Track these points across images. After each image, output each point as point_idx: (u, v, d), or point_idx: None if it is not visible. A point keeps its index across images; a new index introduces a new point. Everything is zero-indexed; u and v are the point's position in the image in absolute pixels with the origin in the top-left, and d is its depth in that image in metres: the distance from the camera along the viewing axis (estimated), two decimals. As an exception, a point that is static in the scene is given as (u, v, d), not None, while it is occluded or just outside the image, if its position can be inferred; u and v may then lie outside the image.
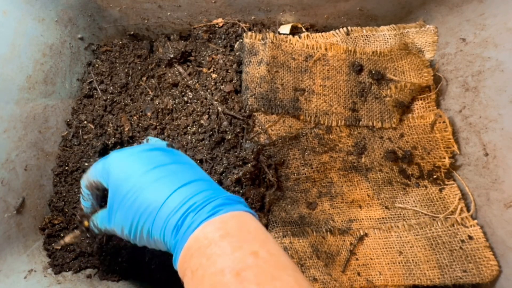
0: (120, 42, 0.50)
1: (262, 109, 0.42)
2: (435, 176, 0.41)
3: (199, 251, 0.21)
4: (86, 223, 0.30)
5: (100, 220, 0.29)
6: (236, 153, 0.41)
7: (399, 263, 0.38)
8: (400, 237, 0.39)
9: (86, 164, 0.42)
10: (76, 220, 0.32)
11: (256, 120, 0.43)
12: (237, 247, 0.21)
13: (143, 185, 0.25)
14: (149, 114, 0.44)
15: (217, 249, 0.21)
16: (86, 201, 0.31)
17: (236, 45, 0.47)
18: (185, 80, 0.46)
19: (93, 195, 0.31)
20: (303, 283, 0.20)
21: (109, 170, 0.27)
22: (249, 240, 0.22)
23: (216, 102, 0.44)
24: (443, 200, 0.40)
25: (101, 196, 0.31)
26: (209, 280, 0.20)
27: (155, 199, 0.24)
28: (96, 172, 0.29)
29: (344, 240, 0.39)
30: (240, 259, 0.20)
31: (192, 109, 0.44)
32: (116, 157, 0.28)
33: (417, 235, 0.39)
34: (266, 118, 0.43)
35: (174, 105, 0.45)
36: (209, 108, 0.44)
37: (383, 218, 0.41)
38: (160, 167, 0.27)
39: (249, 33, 0.45)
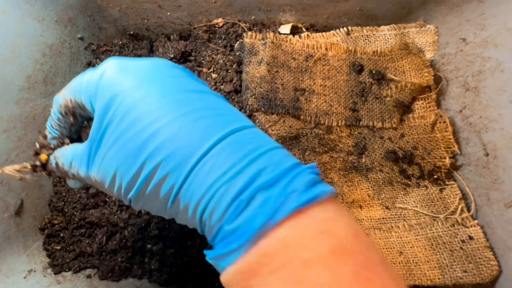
0: (120, 42, 0.50)
1: (262, 109, 0.42)
2: (435, 176, 0.41)
3: (291, 268, 0.13)
4: (43, 156, 0.21)
5: (66, 159, 0.20)
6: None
7: (399, 263, 0.38)
8: (401, 237, 0.39)
9: None
10: (33, 149, 0.22)
11: (257, 120, 0.43)
12: (364, 279, 0.13)
13: (168, 115, 0.16)
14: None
15: (331, 277, 0.12)
16: (53, 128, 0.22)
17: (236, 45, 0.47)
18: (185, 80, 0.46)
19: (66, 121, 0.21)
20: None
21: (103, 84, 0.17)
22: (375, 265, 0.14)
23: (216, 102, 0.44)
24: (444, 200, 0.40)
25: (77, 127, 0.23)
26: None
27: (191, 141, 0.15)
28: (79, 87, 0.19)
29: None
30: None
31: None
32: (117, 64, 0.18)
33: (417, 235, 0.39)
34: (266, 118, 0.43)
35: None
36: (209, 108, 0.44)
37: (383, 218, 0.41)
38: (195, 94, 0.17)
39: (249, 33, 0.45)
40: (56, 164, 0.21)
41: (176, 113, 0.16)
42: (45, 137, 0.22)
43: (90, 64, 0.49)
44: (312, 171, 0.16)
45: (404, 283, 0.15)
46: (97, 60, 0.49)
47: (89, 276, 0.37)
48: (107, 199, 0.40)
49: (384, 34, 0.45)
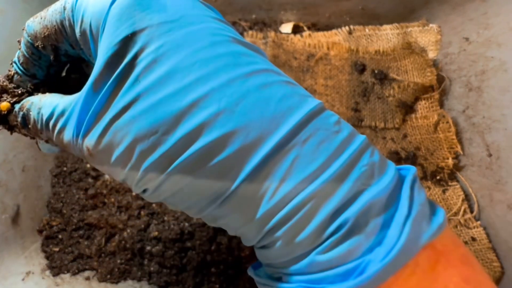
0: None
1: None
2: (438, 177, 0.41)
3: None
4: (4, 104, 0.15)
5: (42, 112, 0.15)
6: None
7: (401, 264, 0.38)
8: (403, 238, 0.39)
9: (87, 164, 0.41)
10: None
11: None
12: None
13: (226, 70, 0.13)
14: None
15: None
16: (22, 66, 0.16)
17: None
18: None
19: (44, 59, 0.16)
20: None
21: (122, 8, 0.12)
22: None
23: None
24: (446, 201, 0.40)
25: (56, 69, 0.16)
26: None
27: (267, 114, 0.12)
28: (76, 8, 0.13)
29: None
30: None
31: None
32: None
33: (420, 236, 0.39)
34: None
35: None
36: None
37: (385, 219, 0.41)
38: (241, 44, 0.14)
39: (250, 32, 0.45)
40: (24, 117, 0.15)
41: (236, 70, 0.12)
42: (8, 77, 0.16)
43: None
44: (415, 178, 0.14)
45: None
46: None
47: (87, 278, 0.37)
48: (105, 200, 0.40)
49: (386, 33, 0.45)
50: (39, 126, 0.15)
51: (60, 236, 0.39)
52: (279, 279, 0.15)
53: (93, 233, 0.39)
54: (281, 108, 0.13)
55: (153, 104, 0.12)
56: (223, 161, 0.12)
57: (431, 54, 0.44)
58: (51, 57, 0.15)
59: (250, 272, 0.17)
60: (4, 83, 0.16)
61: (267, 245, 0.14)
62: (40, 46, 0.15)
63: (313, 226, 0.12)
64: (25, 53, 0.16)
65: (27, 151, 0.39)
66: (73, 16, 0.13)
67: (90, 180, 0.41)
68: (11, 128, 0.16)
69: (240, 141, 0.12)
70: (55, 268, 0.37)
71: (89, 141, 0.13)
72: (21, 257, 0.36)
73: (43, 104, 0.15)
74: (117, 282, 0.37)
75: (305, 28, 0.48)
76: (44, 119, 0.14)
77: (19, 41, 0.16)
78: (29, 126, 0.15)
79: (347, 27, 0.45)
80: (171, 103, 0.12)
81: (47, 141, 0.16)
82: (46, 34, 0.14)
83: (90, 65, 0.17)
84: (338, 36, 0.45)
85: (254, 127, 0.12)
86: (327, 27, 0.48)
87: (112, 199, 0.39)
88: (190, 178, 0.13)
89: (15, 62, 0.16)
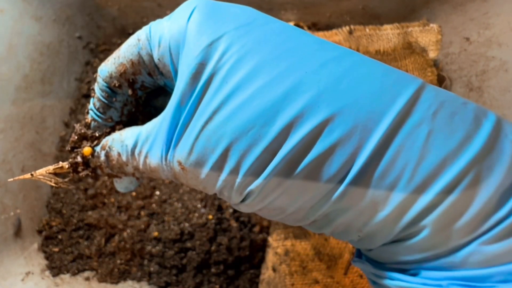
0: (119, 41, 0.49)
1: None
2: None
3: None
4: (87, 149, 0.15)
5: (124, 144, 0.15)
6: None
7: (402, 265, 0.37)
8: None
9: None
10: (68, 145, 0.17)
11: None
12: None
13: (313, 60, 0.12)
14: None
15: None
16: (99, 111, 0.16)
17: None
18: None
19: (120, 98, 0.16)
20: None
21: (196, 26, 0.13)
22: None
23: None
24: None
25: (130, 107, 0.16)
26: None
27: (373, 98, 0.11)
28: (151, 39, 0.14)
29: (347, 242, 0.39)
30: None
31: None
32: (208, 4, 0.13)
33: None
34: None
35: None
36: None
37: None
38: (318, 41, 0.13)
39: None
40: (107, 155, 0.15)
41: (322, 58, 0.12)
42: (86, 125, 0.16)
43: (88, 64, 0.48)
44: None
45: None
46: (96, 59, 0.48)
47: (87, 279, 0.37)
48: (105, 201, 0.40)
49: (387, 33, 0.44)
50: (124, 158, 0.15)
51: (59, 237, 0.39)
52: (411, 274, 0.12)
53: (93, 234, 0.39)
54: (387, 82, 0.12)
55: (246, 100, 0.11)
56: (336, 143, 0.11)
57: (432, 54, 0.44)
58: (129, 91, 0.15)
59: (357, 263, 0.14)
60: (83, 131, 0.16)
61: (403, 238, 0.12)
62: (116, 85, 0.15)
63: (476, 209, 0.11)
64: (101, 97, 0.16)
65: (26, 151, 0.38)
66: (149, 44, 0.14)
67: (90, 180, 0.41)
68: (94, 171, 0.16)
69: (351, 119, 0.11)
70: (55, 269, 0.36)
71: (181, 154, 0.13)
72: (21, 257, 0.35)
73: (125, 136, 0.15)
74: (116, 282, 0.37)
75: (305, 27, 0.47)
76: (130, 149, 0.14)
77: (92, 89, 0.16)
78: (113, 162, 0.15)
79: (347, 27, 0.45)
80: (265, 95, 0.11)
81: (132, 174, 0.15)
82: (122, 71, 0.15)
83: (160, 97, 0.18)
84: (338, 35, 0.44)
85: (365, 103, 0.11)
86: (328, 27, 0.48)
87: (112, 199, 0.39)
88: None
89: (91, 109, 0.16)
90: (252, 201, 0.13)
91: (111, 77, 0.15)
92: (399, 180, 0.11)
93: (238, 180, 0.12)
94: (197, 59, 0.12)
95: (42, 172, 0.17)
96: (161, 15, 0.47)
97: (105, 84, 0.15)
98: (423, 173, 0.11)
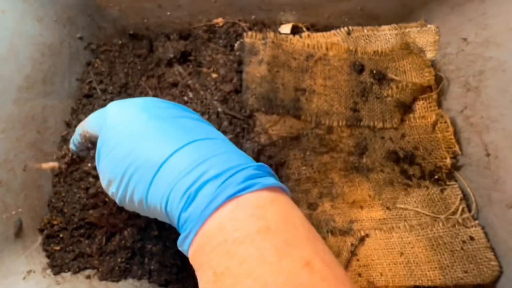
0: (120, 42, 0.49)
1: (263, 109, 0.42)
2: (436, 177, 0.41)
3: (226, 246, 0.15)
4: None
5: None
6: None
7: (400, 263, 0.38)
8: (401, 237, 0.39)
9: (89, 165, 0.41)
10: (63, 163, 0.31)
11: (257, 121, 0.43)
12: (285, 252, 0.15)
13: (142, 134, 0.20)
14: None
15: (255, 251, 0.15)
16: (76, 147, 0.29)
17: (236, 44, 0.47)
18: (185, 80, 0.46)
19: (84, 146, 0.28)
20: None
21: (105, 117, 0.23)
22: (298, 241, 0.16)
23: (216, 102, 0.43)
24: (445, 200, 0.40)
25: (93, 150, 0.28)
26: None
27: (155, 153, 0.18)
28: (92, 122, 0.25)
29: (345, 241, 0.39)
30: (291, 272, 0.14)
31: (192, 109, 0.44)
32: (115, 104, 0.23)
33: (418, 235, 0.39)
34: (266, 118, 0.43)
35: (174, 105, 0.44)
36: (209, 108, 0.43)
37: (384, 218, 0.41)
38: (169, 119, 0.21)
39: (250, 32, 0.45)
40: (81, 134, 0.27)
41: (148, 134, 0.20)
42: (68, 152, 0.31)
43: (89, 64, 0.49)
44: (256, 168, 0.19)
45: (332, 256, 0.17)
46: (97, 60, 0.49)
47: (88, 277, 0.37)
48: (106, 200, 0.40)
49: (385, 34, 0.45)
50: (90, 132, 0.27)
51: (61, 235, 0.39)
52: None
53: (94, 232, 0.40)
54: None
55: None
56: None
57: (429, 55, 0.44)
58: (89, 145, 0.29)
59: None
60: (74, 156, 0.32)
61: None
62: (82, 138, 0.28)
63: None
64: (75, 142, 0.30)
65: (27, 151, 0.39)
66: (90, 126, 0.27)
67: (91, 179, 0.41)
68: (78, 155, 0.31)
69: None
70: (56, 267, 0.37)
71: (99, 170, 0.25)
72: (22, 256, 0.36)
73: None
74: (117, 281, 0.37)
75: (304, 28, 0.48)
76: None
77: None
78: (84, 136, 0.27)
79: (346, 28, 0.45)
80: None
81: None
82: (84, 133, 0.28)
83: None
84: (337, 36, 0.45)
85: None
86: (326, 28, 0.48)
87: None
88: None
89: (72, 144, 0.31)
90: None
91: (80, 134, 0.27)
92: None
93: (110, 193, 0.23)
94: (100, 137, 0.23)
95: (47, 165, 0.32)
96: (161, 16, 0.48)
97: (77, 136, 0.28)
98: None
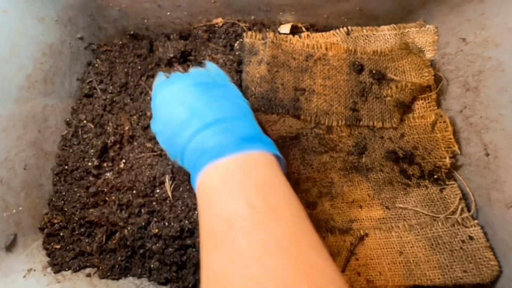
0: (120, 42, 0.50)
1: (263, 108, 0.43)
2: (435, 176, 0.41)
3: (205, 192, 0.22)
4: None
5: None
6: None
7: (399, 263, 0.38)
8: (401, 237, 0.39)
9: (89, 164, 0.41)
10: None
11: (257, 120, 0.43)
12: (234, 197, 0.20)
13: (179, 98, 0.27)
14: (148, 113, 0.44)
15: (215, 196, 0.21)
16: None
17: (236, 44, 0.47)
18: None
19: None
20: (299, 234, 0.19)
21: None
22: (248, 189, 0.21)
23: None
24: (444, 200, 0.40)
25: None
26: (205, 224, 0.21)
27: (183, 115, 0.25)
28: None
29: (344, 240, 0.39)
30: (234, 209, 0.20)
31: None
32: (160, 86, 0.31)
33: (417, 235, 0.39)
34: (266, 118, 0.43)
35: (174, 105, 0.44)
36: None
37: (383, 218, 0.41)
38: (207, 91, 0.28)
39: (249, 32, 0.45)
40: None
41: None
42: None
43: (90, 64, 0.49)
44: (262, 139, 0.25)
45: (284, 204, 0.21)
46: (97, 59, 0.49)
47: (88, 275, 0.37)
48: (106, 198, 0.40)
49: (384, 34, 0.45)
50: None
51: (61, 234, 0.40)
52: None
53: (94, 231, 0.40)
54: None
55: None
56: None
57: (429, 55, 0.44)
58: None
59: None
60: None
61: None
62: None
63: None
64: None
65: (28, 150, 0.39)
66: None
67: (91, 178, 0.41)
68: None
69: None
70: (57, 265, 0.37)
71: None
72: (23, 254, 0.36)
73: None
74: (117, 279, 0.38)
75: (303, 28, 0.48)
76: None
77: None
78: None
79: (345, 28, 0.45)
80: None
81: None
82: None
83: None
84: (336, 36, 0.45)
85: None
86: (326, 28, 0.49)
87: (113, 197, 0.40)
88: None
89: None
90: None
91: None
92: None
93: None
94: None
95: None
96: (161, 16, 0.48)
97: None
98: None
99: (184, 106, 0.26)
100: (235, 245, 0.18)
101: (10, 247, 0.34)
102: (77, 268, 0.37)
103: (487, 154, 0.37)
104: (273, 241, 0.18)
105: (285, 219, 0.20)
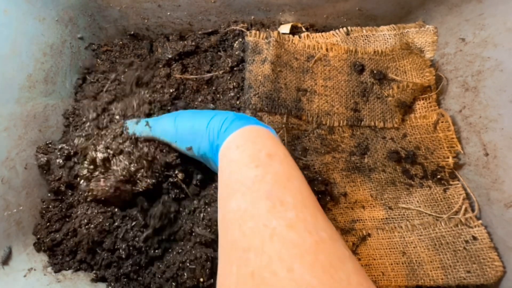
0: (121, 42, 0.53)
1: (266, 108, 0.44)
2: (439, 176, 0.44)
3: (227, 151, 0.31)
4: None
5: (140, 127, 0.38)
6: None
7: (402, 263, 0.40)
8: (404, 237, 0.41)
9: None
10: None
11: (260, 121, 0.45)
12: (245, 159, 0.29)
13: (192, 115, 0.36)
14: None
15: (235, 154, 0.30)
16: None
17: (235, 44, 0.50)
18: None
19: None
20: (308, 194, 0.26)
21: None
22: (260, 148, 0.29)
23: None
24: (447, 200, 0.43)
25: None
26: (248, 152, 0.29)
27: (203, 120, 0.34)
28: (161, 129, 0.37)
29: (347, 240, 0.42)
30: (274, 148, 0.29)
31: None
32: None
33: (420, 235, 0.41)
34: (269, 118, 0.45)
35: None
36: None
37: (386, 218, 0.43)
38: (195, 111, 0.38)
39: (253, 31, 0.47)
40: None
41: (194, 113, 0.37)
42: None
43: (90, 64, 0.52)
44: (249, 118, 0.34)
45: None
46: (98, 60, 0.52)
47: (89, 275, 0.39)
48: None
49: (383, 34, 0.48)
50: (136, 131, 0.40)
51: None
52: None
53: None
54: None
55: None
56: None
57: (428, 55, 0.47)
58: None
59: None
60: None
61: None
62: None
63: None
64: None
65: (29, 149, 0.42)
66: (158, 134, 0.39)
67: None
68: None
69: None
70: (57, 265, 0.39)
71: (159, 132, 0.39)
72: (23, 254, 0.38)
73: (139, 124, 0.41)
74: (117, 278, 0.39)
75: (303, 28, 0.51)
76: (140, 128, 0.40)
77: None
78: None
79: (344, 28, 0.48)
80: None
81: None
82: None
83: None
84: (336, 37, 0.48)
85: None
86: (325, 28, 0.52)
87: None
88: None
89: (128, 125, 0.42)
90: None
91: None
92: None
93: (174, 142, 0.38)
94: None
95: None
96: (161, 16, 0.52)
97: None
98: None
99: (200, 115, 0.35)
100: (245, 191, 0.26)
101: (6, 260, 0.36)
102: (78, 267, 0.40)
103: (487, 154, 0.40)
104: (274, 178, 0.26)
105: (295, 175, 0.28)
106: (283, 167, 0.27)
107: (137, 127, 0.38)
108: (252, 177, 0.26)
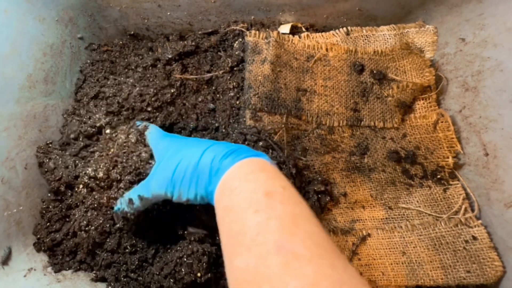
0: (121, 42, 0.53)
1: (266, 108, 0.45)
2: (439, 176, 0.44)
3: (221, 197, 0.29)
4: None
5: (137, 193, 0.35)
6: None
7: (402, 263, 0.40)
8: (403, 237, 0.41)
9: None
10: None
11: (260, 121, 0.45)
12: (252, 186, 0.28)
13: (182, 149, 0.34)
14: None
15: (245, 187, 0.28)
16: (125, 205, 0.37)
17: (235, 44, 0.50)
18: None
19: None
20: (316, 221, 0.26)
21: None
22: (276, 184, 0.28)
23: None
24: (447, 200, 0.43)
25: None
26: (244, 195, 0.27)
27: (193, 155, 0.32)
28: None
29: (347, 241, 0.42)
30: (255, 194, 0.27)
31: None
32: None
33: (420, 235, 0.41)
34: (269, 118, 0.45)
35: (174, 105, 0.48)
36: (210, 108, 0.47)
37: (386, 218, 0.44)
38: (187, 138, 0.38)
39: (253, 31, 0.48)
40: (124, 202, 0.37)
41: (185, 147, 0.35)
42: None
43: (91, 64, 0.52)
44: (247, 149, 0.33)
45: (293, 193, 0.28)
46: (98, 60, 0.52)
47: (89, 275, 0.40)
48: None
49: (383, 34, 0.48)
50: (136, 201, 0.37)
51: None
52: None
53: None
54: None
55: None
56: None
57: (428, 55, 0.47)
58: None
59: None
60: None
61: None
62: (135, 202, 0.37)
63: None
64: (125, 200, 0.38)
65: (29, 149, 0.42)
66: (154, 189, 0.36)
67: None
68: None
69: None
70: (57, 265, 0.40)
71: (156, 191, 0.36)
72: (23, 253, 0.39)
73: (136, 191, 0.37)
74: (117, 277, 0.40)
75: (303, 28, 0.51)
76: (139, 195, 0.37)
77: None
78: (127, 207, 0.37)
79: (344, 28, 0.48)
80: None
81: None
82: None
83: None
84: (336, 37, 0.48)
85: None
86: (325, 28, 0.52)
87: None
88: None
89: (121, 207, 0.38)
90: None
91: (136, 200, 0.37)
92: None
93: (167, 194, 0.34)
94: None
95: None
96: (161, 16, 0.52)
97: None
98: None
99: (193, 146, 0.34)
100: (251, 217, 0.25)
101: (6, 260, 0.37)
102: (78, 267, 0.40)
103: (486, 154, 0.40)
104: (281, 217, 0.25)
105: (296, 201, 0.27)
106: (285, 207, 0.25)
107: (128, 204, 0.36)
108: (254, 226, 0.24)
